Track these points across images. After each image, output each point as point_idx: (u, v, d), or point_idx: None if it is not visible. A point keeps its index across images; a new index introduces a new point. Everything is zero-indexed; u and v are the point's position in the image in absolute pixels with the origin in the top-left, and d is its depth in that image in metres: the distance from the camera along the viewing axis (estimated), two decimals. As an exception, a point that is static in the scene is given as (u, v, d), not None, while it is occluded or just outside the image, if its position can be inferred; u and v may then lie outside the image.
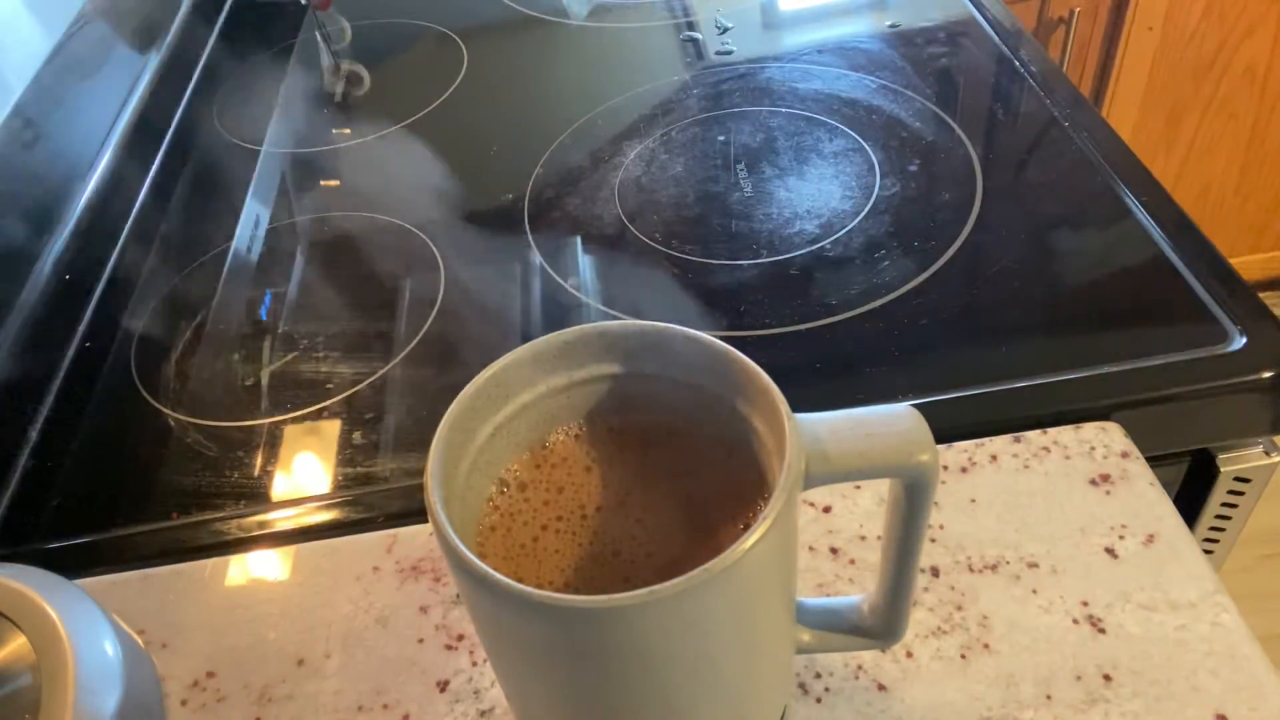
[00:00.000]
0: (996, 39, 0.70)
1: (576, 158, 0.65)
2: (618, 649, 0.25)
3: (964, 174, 0.58)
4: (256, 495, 0.47)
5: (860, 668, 0.37)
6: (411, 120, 0.72)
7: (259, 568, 0.44)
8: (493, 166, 0.66)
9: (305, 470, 0.48)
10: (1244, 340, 0.45)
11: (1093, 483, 0.42)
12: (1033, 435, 0.44)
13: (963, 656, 0.37)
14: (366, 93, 0.78)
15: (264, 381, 0.53)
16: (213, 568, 0.44)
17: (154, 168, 0.70)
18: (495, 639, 0.28)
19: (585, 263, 0.57)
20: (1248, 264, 1.54)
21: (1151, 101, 1.31)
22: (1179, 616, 0.37)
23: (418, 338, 0.54)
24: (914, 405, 0.28)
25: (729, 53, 0.73)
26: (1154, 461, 0.43)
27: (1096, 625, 0.37)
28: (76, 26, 0.69)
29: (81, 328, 0.58)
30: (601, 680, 0.27)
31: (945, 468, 0.43)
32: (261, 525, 0.45)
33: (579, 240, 0.58)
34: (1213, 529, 0.50)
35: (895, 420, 0.27)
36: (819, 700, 0.36)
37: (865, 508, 0.42)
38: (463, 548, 0.25)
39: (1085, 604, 0.38)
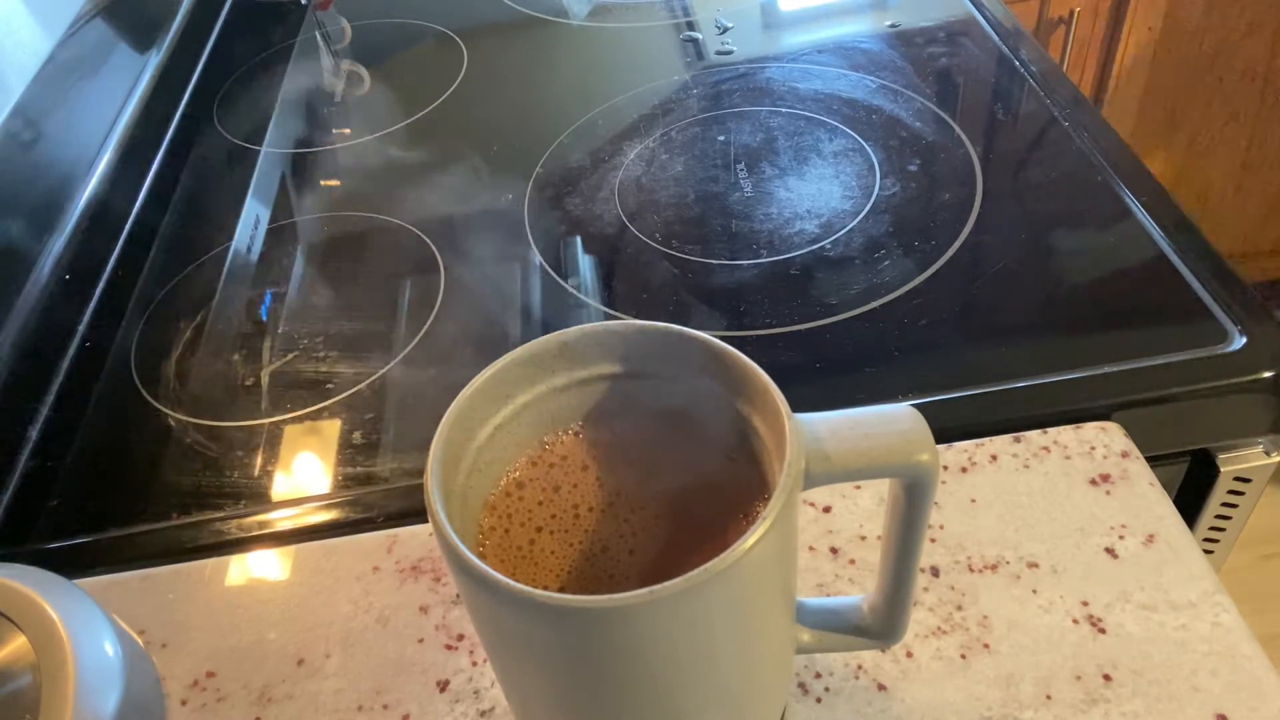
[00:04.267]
0: (996, 39, 0.70)
1: (576, 158, 0.65)
2: (618, 649, 0.25)
3: (964, 174, 0.58)
4: (256, 495, 0.47)
5: (860, 668, 0.37)
6: (411, 120, 0.72)
7: (259, 568, 0.44)
8: (493, 166, 0.66)
9: (305, 470, 0.48)
10: (1244, 340, 0.45)
11: (1093, 483, 0.42)
12: (1033, 435, 0.44)
13: (963, 656, 0.37)
14: (366, 93, 0.78)
15: (264, 381, 0.53)
16: (213, 568, 0.44)
17: (154, 167, 0.70)
18: (495, 639, 0.28)
19: (585, 263, 0.57)
20: (1248, 264, 1.54)
21: (1151, 101, 1.31)
22: (1179, 616, 0.37)
23: (418, 338, 0.54)
24: (914, 405, 0.28)
25: (729, 53, 0.73)
26: (1154, 461, 0.43)
27: (1096, 625, 0.37)
28: (76, 26, 0.69)
29: (81, 328, 0.58)
30: (601, 680, 0.27)
31: (945, 468, 0.43)
32: (261, 525, 0.45)
33: (579, 240, 0.58)
34: (1213, 529, 0.50)
35: (895, 420, 0.27)
36: (819, 700, 0.36)
37: (865, 508, 0.42)
38: (463, 548, 0.25)
39: (1085, 604, 0.38)
